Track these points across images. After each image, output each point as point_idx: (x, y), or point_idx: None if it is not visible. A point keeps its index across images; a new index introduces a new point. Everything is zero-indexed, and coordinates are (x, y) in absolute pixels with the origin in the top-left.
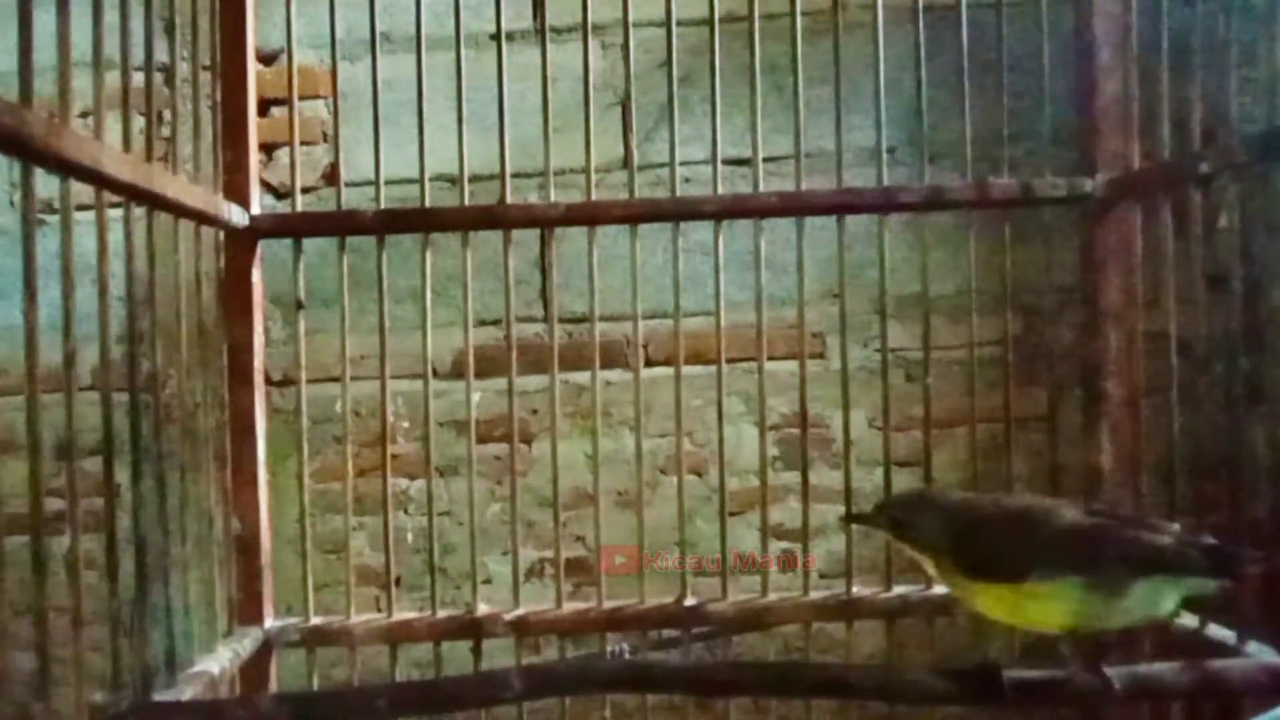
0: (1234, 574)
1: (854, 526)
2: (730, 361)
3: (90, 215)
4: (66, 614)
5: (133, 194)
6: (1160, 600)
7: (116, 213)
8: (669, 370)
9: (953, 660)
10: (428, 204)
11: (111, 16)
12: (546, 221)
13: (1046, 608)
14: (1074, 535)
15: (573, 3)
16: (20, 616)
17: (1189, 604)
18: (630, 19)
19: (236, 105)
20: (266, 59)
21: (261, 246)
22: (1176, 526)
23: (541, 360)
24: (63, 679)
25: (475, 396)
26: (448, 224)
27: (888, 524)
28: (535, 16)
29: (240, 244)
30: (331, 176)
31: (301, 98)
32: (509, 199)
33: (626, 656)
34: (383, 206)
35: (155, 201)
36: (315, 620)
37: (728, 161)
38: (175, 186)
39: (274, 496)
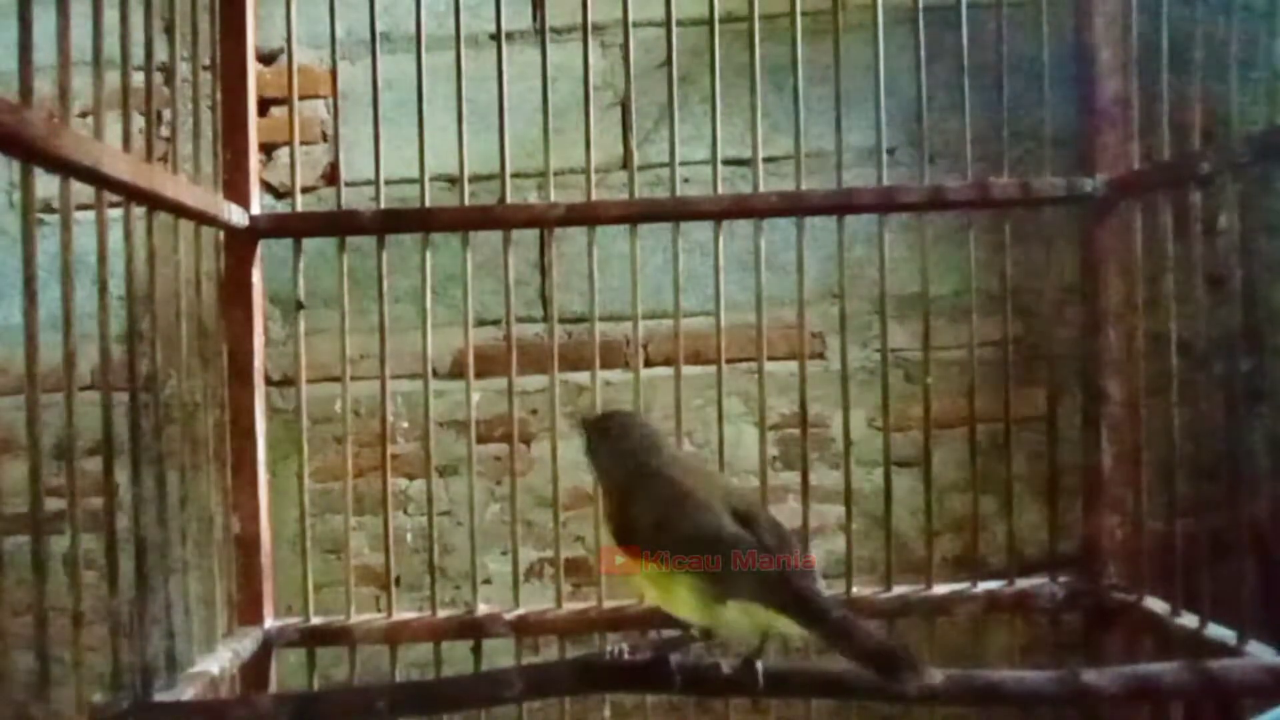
0: (823, 627)
1: (854, 526)
2: (730, 361)
3: (90, 215)
4: (66, 614)
5: (133, 194)
6: (755, 620)
7: (116, 213)
8: (669, 370)
9: (952, 661)
10: (428, 204)
11: (111, 16)
12: (546, 221)
13: (671, 592)
14: (706, 539)
15: (573, 3)
16: (20, 616)
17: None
18: (630, 19)
19: (236, 105)
20: (266, 59)
21: (261, 246)
22: (805, 564)
23: (541, 360)
24: (63, 679)
25: (475, 396)
26: (447, 224)
27: (585, 439)
28: (535, 16)
29: (240, 244)
30: (331, 176)
31: (301, 98)
32: (509, 199)
33: (626, 657)
34: (383, 206)
35: (155, 201)
36: (315, 620)
37: (728, 161)
38: (175, 186)
39: (274, 496)
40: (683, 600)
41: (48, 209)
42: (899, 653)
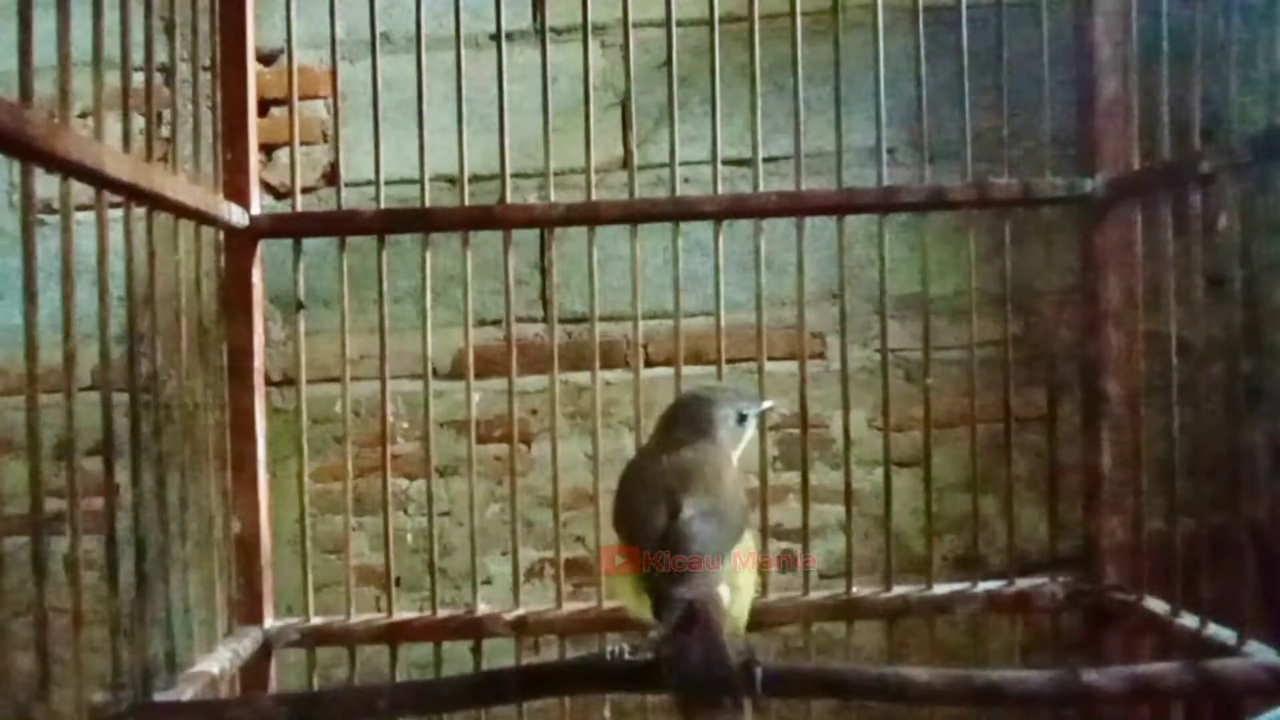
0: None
1: (854, 526)
2: (730, 361)
3: (90, 215)
4: (66, 614)
5: (133, 194)
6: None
7: (116, 213)
8: (669, 370)
9: (952, 661)
10: (427, 204)
11: (111, 16)
12: (546, 221)
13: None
14: (632, 529)
15: (573, 3)
16: (20, 616)
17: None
18: (630, 19)
19: (236, 105)
20: (266, 59)
21: (261, 246)
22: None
23: (541, 360)
24: (63, 679)
25: (475, 397)
26: (447, 224)
27: None
28: (535, 16)
29: (240, 244)
30: (331, 176)
31: (301, 98)
32: (509, 199)
33: (626, 657)
34: (383, 206)
35: (155, 201)
36: (315, 620)
37: (728, 161)
38: (175, 186)
39: (274, 496)
40: (626, 591)
41: (48, 209)
42: (707, 683)
